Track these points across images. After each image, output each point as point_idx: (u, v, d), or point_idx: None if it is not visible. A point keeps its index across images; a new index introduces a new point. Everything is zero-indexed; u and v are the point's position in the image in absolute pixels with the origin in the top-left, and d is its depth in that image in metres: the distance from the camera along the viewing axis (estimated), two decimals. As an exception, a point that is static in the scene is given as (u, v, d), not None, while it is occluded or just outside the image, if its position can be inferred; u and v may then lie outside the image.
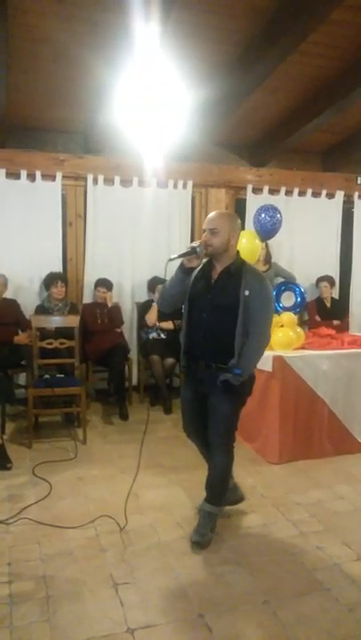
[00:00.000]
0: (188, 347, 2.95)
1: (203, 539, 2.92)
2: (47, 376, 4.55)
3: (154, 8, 3.31)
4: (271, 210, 5.17)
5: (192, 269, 2.85)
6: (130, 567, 2.70)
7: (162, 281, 5.61)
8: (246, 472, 3.47)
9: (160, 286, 3.05)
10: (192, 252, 2.77)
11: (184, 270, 2.82)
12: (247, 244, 4.28)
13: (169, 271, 2.87)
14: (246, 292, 2.75)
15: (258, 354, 2.88)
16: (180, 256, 2.81)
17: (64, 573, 2.64)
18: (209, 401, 2.91)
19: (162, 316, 5.35)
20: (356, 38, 4.00)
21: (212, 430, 2.93)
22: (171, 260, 2.86)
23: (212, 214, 2.90)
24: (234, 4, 3.56)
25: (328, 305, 6.17)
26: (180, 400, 3.14)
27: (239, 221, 2.93)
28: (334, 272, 6.50)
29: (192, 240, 6.00)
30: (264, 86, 4.51)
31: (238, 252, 2.92)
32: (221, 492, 3.01)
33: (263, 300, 2.80)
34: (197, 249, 2.77)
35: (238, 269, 2.83)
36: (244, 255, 3.04)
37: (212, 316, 2.82)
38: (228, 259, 2.86)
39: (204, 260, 2.91)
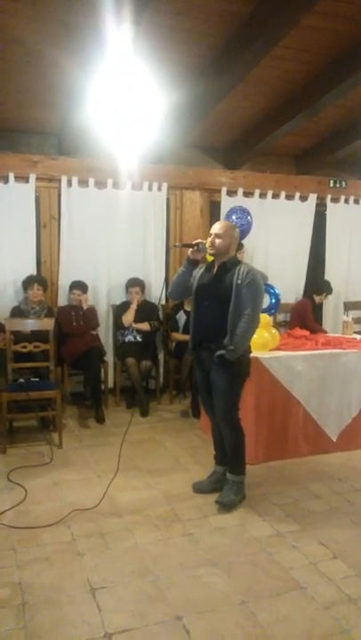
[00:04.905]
0: (195, 332, 3.46)
1: (223, 499, 3.37)
2: (22, 380, 4.49)
3: (126, 11, 3.29)
4: (240, 211, 5.22)
5: (197, 262, 3.47)
6: (107, 571, 2.69)
7: (139, 281, 5.66)
8: (223, 473, 3.51)
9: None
10: (194, 245, 3.41)
11: (190, 262, 3.46)
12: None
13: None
14: (238, 281, 3.26)
15: (247, 333, 3.32)
16: (183, 245, 3.54)
17: (40, 579, 2.62)
18: (210, 377, 3.39)
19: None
20: (326, 43, 4.06)
21: (215, 404, 3.42)
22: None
23: (218, 223, 3.51)
24: (207, 8, 3.58)
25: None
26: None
27: (238, 231, 3.53)
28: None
29: (167, 242, 6.06)
30: (237, 89, 4.54)
31: (235, 254, 3.49)
32: (238, 462, 3.46)
33: (252, 288, 3.27)
34: (200, 245, 3.40)
35: (233, 265, 3.37)
36: None
37: (213, 303, 3.35)
38: (226, 259, 3.42)
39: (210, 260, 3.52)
